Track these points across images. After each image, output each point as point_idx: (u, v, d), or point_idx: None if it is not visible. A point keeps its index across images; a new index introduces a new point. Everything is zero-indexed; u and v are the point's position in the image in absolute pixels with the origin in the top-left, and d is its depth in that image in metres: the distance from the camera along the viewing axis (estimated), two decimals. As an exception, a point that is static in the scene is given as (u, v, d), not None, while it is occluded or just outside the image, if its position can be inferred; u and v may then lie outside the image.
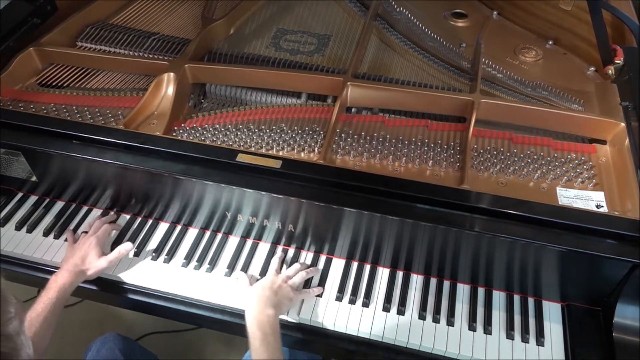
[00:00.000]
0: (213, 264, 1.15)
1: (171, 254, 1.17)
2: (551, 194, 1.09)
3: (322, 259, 1.17)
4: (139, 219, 1.24)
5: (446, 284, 1.13)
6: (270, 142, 1.18)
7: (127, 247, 1.14)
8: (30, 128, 1.14)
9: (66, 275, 1.07)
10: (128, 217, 1.25)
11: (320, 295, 1.11)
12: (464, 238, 1.02)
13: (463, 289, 1.12)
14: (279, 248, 1.19)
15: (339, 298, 1.11)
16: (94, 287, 1.15)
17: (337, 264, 1.16)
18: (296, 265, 1.14)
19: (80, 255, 1.11)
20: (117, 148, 1.11)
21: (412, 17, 1.51)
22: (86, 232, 1.19)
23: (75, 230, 1.22)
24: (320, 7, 1.56)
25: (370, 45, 1.44)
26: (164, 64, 1.30)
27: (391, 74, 1.35)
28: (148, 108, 1.25)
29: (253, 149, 1.17)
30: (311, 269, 1.15)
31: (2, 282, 0.60)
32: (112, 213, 1.25)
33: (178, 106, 1.27)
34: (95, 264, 1.10)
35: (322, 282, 1.13)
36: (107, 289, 1.16)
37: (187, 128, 1.22)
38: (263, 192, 1.05)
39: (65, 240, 1.20)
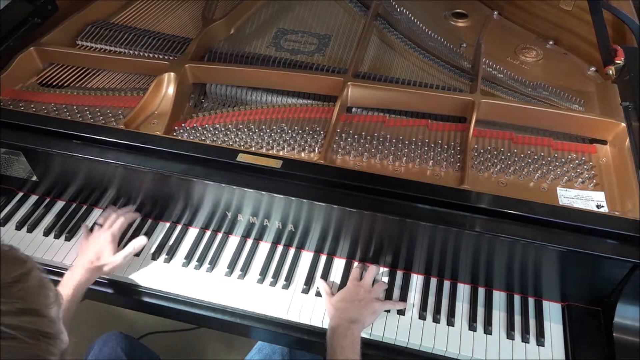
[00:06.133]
0: (213, 263, 1.15)
1: (171, 254, 1.17)
2: (551, 194, 1.09)
3: (322, 259, 1.17)
4: (139, 219, 1.24)
5: (446, 284, 1.13)
6: (271, 142, 1.18)
7: (141, 242, 1.12)
8: (31, 128, 1.14)
9: (82, 272, 1.05)
10: (128, 216, 1.25)
11: (405, 313, 1.09)
12: (465, 238, 1.02)
13: (463, 289, 1.12)
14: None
15: (340, 298, 1.10)
16: (95, 287, 1.15)
17: (338, 264, 1.16)
18: (372, 270, 1.11)
19: (95, 251, 1.09)
20: (118, 148, 1.11)
21: (412, 17, 1.51)
22: (100, 225, 1.16)
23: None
24: (320, 7, 1.55)
25: (371, 45, 1.44)
26: (165, 64, 1.30)
27: (392, 73, 1.35)
28: (148, 108, 1.25)
29: (253, 148, 1.17)
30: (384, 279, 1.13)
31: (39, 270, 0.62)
32: (130, 206, 1.20)
33: (178, 106, 1.27)
34: (111, 261, 1.08)
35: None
36: (108, 289, 1.16)
37: (188, 128, 1.23)
38: (263, 192, 1.05)
39: (66, 240, 1.20)
